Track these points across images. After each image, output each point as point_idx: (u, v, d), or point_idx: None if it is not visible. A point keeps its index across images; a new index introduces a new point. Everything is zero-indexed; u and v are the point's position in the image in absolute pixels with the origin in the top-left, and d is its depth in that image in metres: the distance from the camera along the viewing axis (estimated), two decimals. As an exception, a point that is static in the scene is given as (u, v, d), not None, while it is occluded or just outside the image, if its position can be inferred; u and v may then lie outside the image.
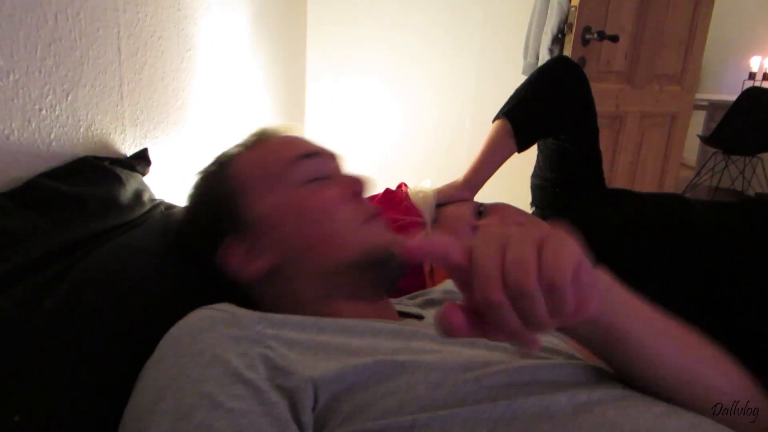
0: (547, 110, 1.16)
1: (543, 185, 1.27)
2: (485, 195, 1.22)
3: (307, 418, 0.45)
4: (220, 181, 0.68)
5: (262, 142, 0.71)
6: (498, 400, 0.45)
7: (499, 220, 1.06)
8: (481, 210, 1.11)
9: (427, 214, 1.13)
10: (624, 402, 0.46)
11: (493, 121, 1.20)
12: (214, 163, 0.72)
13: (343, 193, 0.65)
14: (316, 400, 0.46)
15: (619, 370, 0.50)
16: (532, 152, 1.29)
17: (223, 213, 0.66)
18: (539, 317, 0.34)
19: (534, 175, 1.32)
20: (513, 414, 0.44)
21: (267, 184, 0.65)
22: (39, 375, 0.50)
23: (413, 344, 0.53)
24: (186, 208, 0.73)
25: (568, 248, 0.35)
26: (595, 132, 1.22)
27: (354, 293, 0.63)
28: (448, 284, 0.85)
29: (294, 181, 0.65)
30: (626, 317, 0.46)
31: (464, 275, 0.36)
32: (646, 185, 2.48)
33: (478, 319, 0.35)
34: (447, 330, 0.35)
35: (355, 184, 0.67)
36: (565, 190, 1.23)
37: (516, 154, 1.19)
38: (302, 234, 0.63)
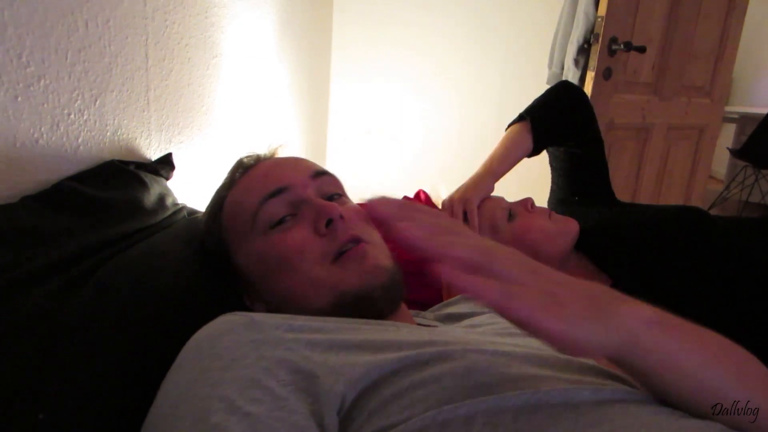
0: (559, 115, 1.25)
1: (563, 199, 1.29)
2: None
3: (331, 420, 0.44)
4: (217, 230, 0.72)
5: (242, 178, 0.72)
6: (522, 390, 0.45)
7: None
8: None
9: None
10: (646, 401, 0.46)
11: (507, 128, 1.25)
12: (211, 208, 0.74)
13: (309, 230, 0.64)
14: (342, 401, 0.46)
15: (644, 385, 0.50)
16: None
17: (226, 263, 0.71)
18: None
19: (551, 194, 1.35)
20: (537, 403, 0.44)
21: (242, 235, 0.68)
22: (65, 374, 0.50)
23: (436, 339, 0.53)
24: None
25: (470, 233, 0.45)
26: (600, 141, 1.28)
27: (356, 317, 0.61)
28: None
29: (262, 227, 0.66)
30: (662, 344, 0.43)
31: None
32: (672, 198, 2.43)
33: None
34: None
35: (323, 214, 0.64)
36: (582, 198, 1.27)
37: (527, 159, 1.23)
38: (278, 285, 0.65)
